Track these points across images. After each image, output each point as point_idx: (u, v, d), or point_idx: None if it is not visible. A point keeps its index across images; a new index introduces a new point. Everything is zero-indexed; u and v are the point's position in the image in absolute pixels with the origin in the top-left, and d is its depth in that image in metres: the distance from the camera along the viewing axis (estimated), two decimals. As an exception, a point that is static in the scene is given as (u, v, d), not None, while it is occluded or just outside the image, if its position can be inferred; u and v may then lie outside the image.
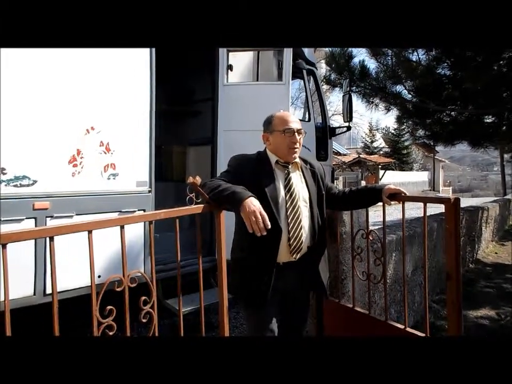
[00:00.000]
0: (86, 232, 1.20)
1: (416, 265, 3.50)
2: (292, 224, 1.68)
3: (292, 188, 1.72)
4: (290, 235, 1.68)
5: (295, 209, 1.70)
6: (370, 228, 2.05)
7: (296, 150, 1.74)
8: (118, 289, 1.24)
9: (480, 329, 3.31)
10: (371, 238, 2.04)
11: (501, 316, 3.66)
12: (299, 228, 1.69)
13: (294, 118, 1.79)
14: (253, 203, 1.51)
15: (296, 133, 1.73)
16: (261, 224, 1.47)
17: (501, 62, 4.88)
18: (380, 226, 2.36)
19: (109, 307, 1.20)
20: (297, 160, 1.80)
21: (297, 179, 1.78)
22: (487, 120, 6.08)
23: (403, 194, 1.81)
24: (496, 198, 13.09)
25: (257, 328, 1.76)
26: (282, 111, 1.83)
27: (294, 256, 1.71)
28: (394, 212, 6.83)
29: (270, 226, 1.50)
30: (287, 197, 1.70)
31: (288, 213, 1.69)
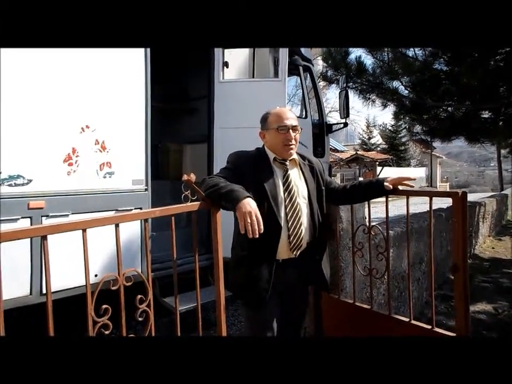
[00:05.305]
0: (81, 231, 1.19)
1: (414, 261, 3.50)
2: (291, 221, 1.67)
3: (291, 185, 1.71)
4: (290, 232, 1.67)
5: (294, 206, 1.69)
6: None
7: (291, 147, 1.72)
8: (113, 288, 1.23)
9: (477, 324, 3.31)
10: (373, 233, 2.04)
11: (498, 310, 3.67)
12: (298, 224, 1.69)
13: (290, 114, 1.76)
14: (250, 204, 1.48)
15: (290, 130, 1.70)
16: (255, 226, 1.45)
17: (498, 57, 4.88)
18: (377, 223, 2.36)
19: (104, 306, 1.18)
20: (295, 156, 1.79)
21: (295, 176, 1.77)
22: (484, 116, 6.09)
23: (409, 188, 1.79)
24: (493, 193, 13.12)
25: (257, 327, 1.75)
26: (279, 108, 1.81)
27: (294, 253, 1.70)
28: (392, 208, 6.83)
29: (262, 231, 1.47)
30: (285, 194, 1.69)
31: (287, 210, 1.68)
